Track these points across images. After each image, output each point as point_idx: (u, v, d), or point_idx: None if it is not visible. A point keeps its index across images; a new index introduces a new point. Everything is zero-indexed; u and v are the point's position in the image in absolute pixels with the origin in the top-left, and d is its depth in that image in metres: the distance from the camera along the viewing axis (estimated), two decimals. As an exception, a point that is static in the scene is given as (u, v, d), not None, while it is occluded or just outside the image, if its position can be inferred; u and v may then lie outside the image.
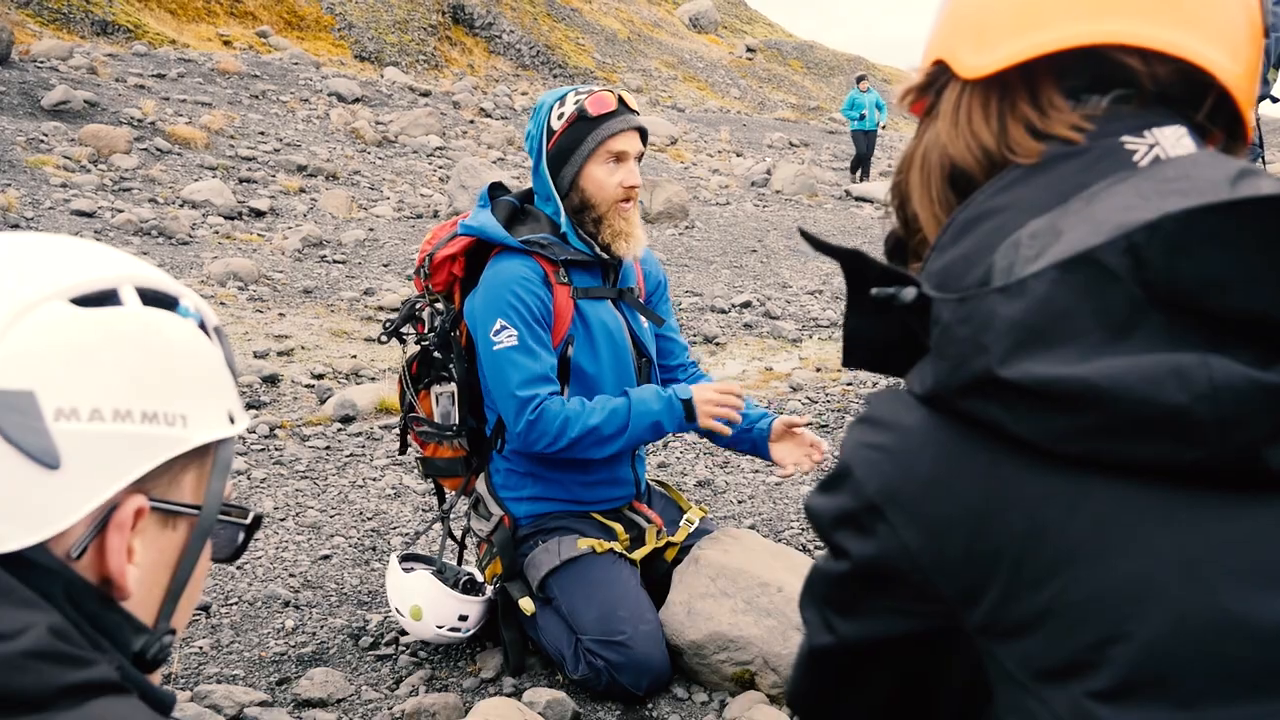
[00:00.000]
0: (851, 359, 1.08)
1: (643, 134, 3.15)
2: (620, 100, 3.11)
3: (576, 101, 3.07)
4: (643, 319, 3.29)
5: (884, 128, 23.93)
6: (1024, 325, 0.89)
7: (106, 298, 0.95)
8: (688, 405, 3.01)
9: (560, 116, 3.07)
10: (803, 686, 1.16)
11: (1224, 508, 0.87)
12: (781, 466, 3.23)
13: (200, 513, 1.02)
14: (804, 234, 1.08)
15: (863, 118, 22.56)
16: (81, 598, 0.89)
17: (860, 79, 23.68)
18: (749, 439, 3.29)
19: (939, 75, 1.16)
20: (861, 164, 22.87)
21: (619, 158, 3.08)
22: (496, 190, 3.30)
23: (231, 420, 1.06)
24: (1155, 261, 0.86)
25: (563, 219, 3.11)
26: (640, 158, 3.17)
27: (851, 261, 1.01)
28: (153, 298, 0.99)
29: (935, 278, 1.02)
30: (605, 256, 3.14)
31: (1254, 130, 1.15)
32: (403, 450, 3.51)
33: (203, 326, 1.04)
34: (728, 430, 3.09)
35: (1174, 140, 1.03)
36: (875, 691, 1.09)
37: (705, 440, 5.69)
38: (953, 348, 0.93)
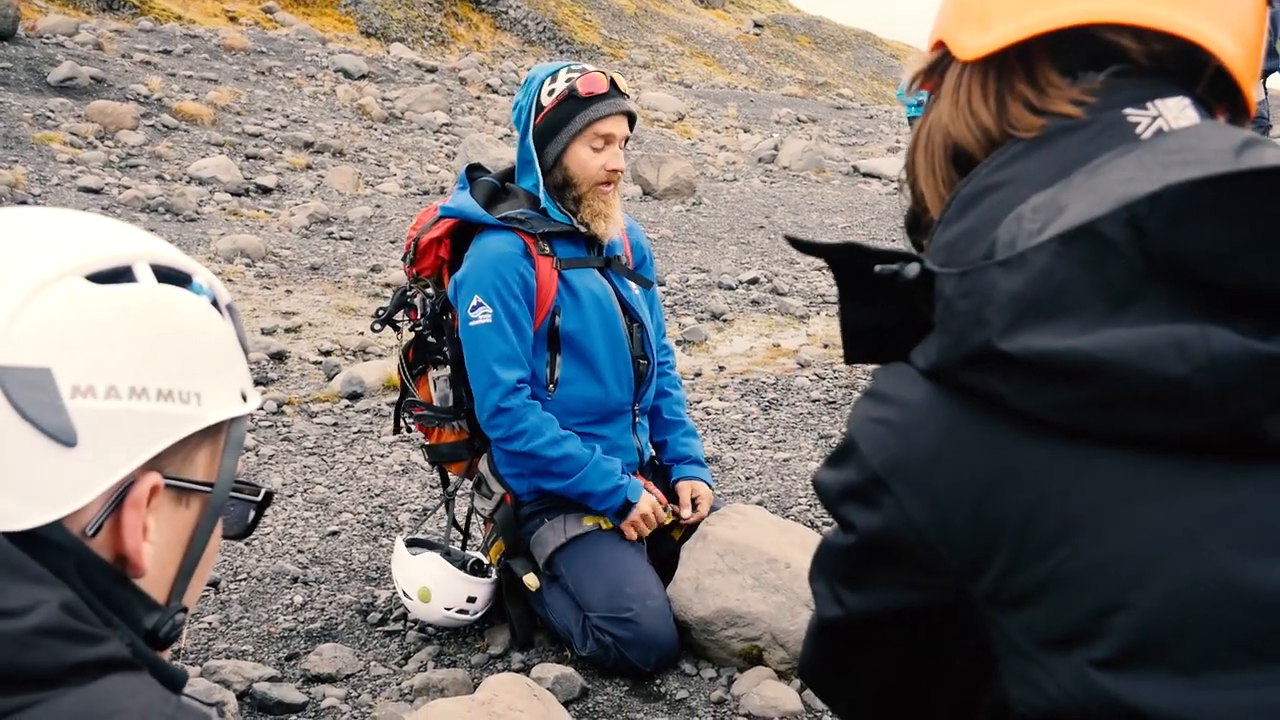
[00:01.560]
0: (854, 353, 1.09)
1: (630, 119, 3.18)
2: (612, 83, 3.12)
3: (569, 80, 3.09)
4: (632, 285, 3.31)
5: None
6: (1024, 298, 0.89)
7: (121, 274, 0.94)
8: (626, 507, 3.10)
9: (551, 93, 3.09)
10: (813, 658, 1.17)
11: (1224, 478, 0.87)
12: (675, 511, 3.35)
13: (213, 490, 1.02)
14: (791, 240, 1.08)
15: (920, 104, 21.34)
16: (94, 575, 0.89)
17: None
18: (669, 469, 3.46)
19: (942, 57, 1.18)
20: None
21: (605, 140, 3.10)
22: (475, 171, 3.34)
23: (244, 398, 1.06)
24: (1157, 233, 0.86)
25: (541, 193, 3.13)
26: (625, 141, 3.20)
27: (848, 255, 1.01)
28: (167, 274, 0.99)
29: (941, 253, 1.02)
30: (584, 230, 3.17)
31: (1256, 104, 1.14)
32: (396, 430, 3.56)
33: (215, 304, 1.04)
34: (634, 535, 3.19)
35: (1177, 111, 1.03)
36: (883, 663, 1.09)
37: (711, 418, 5.71)
38: (954, 322, 0.93)
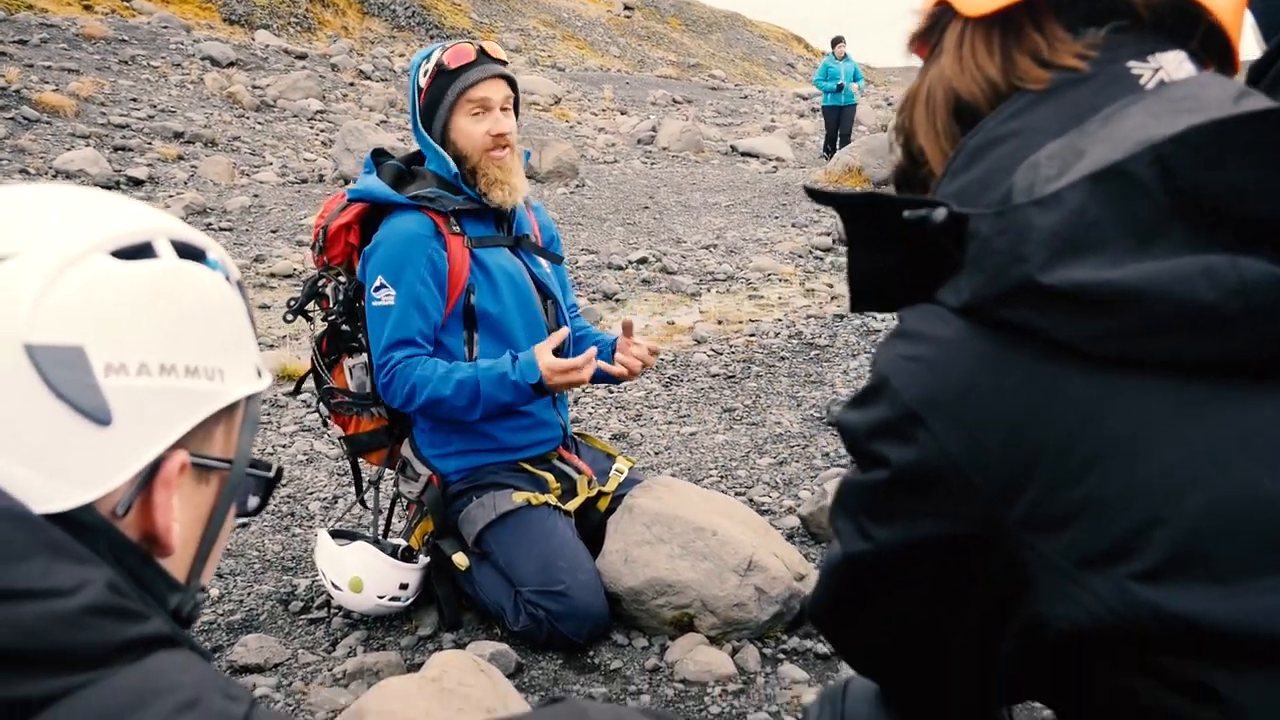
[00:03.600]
0: (861, 301, 1.11)
1: (511, 83, 3.18)
2: (481, 51, 3.14)
3: (439, 56, 3.12)
4: (542, 262, 3.33)
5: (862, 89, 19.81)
6: (1059, 235, 0.94)
7: (144, 250, 0.93)
8: (538, 387, 3.01)
9: (426, 73, 3.13)
10: (830, 594, 1.20)
11: (1253, 397, 0.93)
12: (621, 375, 3.21)
13: (232, 467, 1.01)
14: (810, 191, 1.11)
15: (840, 89, 19.16)
16: (125, 556, 0.88)
17: (836, 42, 19.75)
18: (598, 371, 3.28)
19: (941, 15, 1.22)
20: (835, 143, 19.26)
21: (483, 106, 3.11)
22: (380, 156, 3.34)
23: (259, 374, 1.05)
24: (1181, 171, 0.92)
25: (451, 168, 3.15)
26: (513, 106, 3.20)
27: (869, 205, 1.04)
28: (185, 250, 0.98)
29: (951, 201, 1.06)
30: (491, 205, 3.18)
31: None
32: (295, 392, 3.56)
33: (227, 279, 1.03)
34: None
35: (1176, 64, 1.09)
36: (906, 594, 1.12)
37: (614, 395, 5.74)
38: (991, 259, 0.97)
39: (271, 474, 1.10)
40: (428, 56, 3.14)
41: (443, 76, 3.10)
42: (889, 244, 1.04)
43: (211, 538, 1.01)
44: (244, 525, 3.99)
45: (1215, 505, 0.91)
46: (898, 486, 1.05)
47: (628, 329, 3.27)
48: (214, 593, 3.40)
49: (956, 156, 1.12)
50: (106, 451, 0.86)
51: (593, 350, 3.06)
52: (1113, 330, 0.93)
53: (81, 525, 0.84)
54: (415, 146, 3.30)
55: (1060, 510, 0.95)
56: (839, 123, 19.42)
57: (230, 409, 1.00)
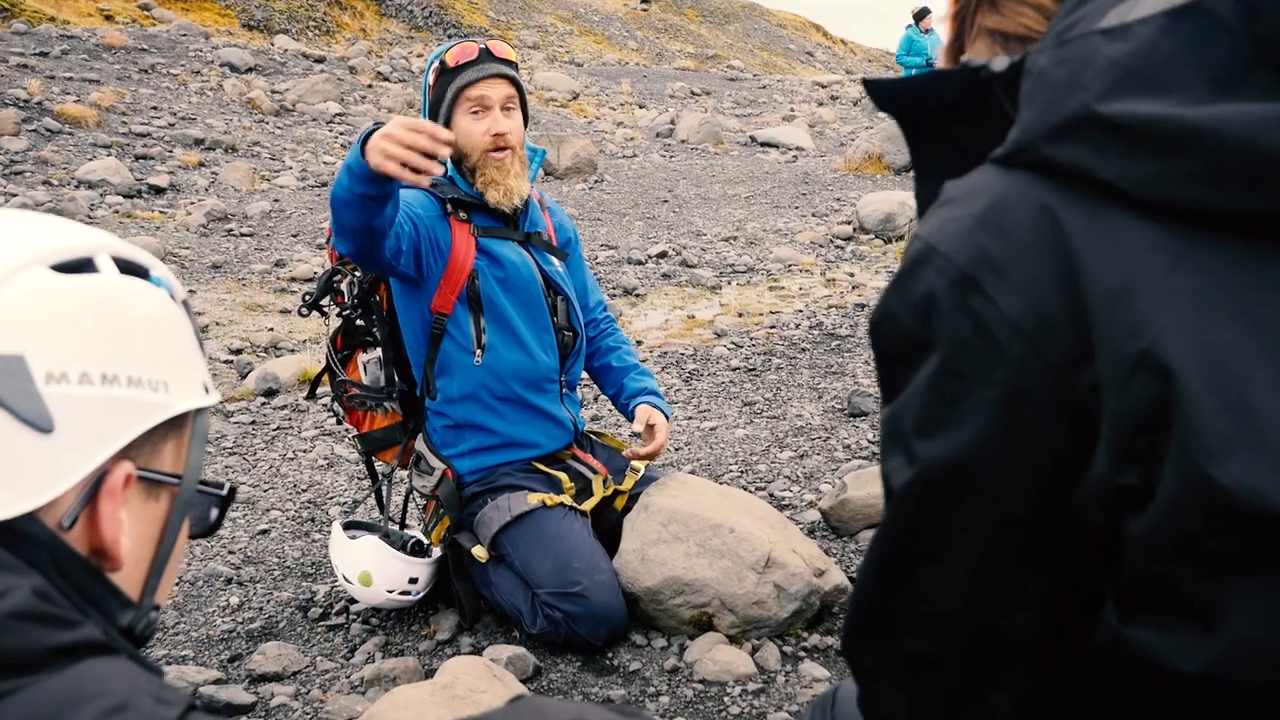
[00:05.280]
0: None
1: (515, 83, 3.17)
2: (485, 50, 3.13)
3: (444, 54, 3.14)
4: (554, 260, 3.32)
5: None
6: (1125, 66, 0.86)
7: (84, 265, 0.94)
8: (364, 144, 2.63)
9: (434, 71, 3.15)
10: (876, 582, 1.04)
11: None
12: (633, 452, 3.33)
13: (181, 482, 1.01)
14: (866, 83, 1.04)
15: (929, 64, 16.76)
16: (70, 569, 0.87)
17: (922, 15, 17.64)
18: (625, 409, 3.47)
19: None
20: None
21: (481, 105, 3.11)
22: None
23: (206, 390, 1.05)
24: (1268, 13, 0.84)
25: (449, 167, 3.14)
26: (517, 106, 3.18)
27: (928, 82, 0.98)
28: (127, 266, 0.98)
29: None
30: (489, 204, 3.16)
31: None
32: (311, 395, 3.56)
33: (172, 297, 1.03)
34: (405, 176, 2.59)
35: None
36: (969, 529, 0.97)
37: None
38: (1046, 91, 0.90)
39: (224, 492, 1.09)
40: (440, 53, 3.16)
41: (445, 75, 3.12)
42: (937, 130, 0.97)
43: (164, 555, 1.01)
44: (264, 531, 4.00)
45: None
46: (949, 374, 0.93)
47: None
48: (234, 600, 3.40)
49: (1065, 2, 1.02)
50: (47, 460, 0.85)
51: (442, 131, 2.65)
52: (1173, 174, 0.84)
53: (24, 536, 0.84)
54: None
55: (1121, 370, 0.85)
56: None
57: (179, 425, 1.00)
